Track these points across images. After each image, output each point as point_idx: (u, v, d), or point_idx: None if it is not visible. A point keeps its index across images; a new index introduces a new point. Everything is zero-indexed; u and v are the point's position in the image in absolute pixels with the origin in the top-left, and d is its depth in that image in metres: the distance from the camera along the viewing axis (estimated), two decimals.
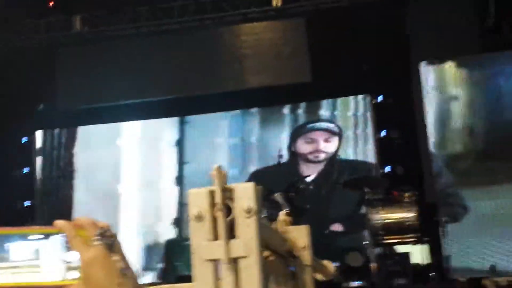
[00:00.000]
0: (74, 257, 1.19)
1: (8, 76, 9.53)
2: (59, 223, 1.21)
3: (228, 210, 1.51)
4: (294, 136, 9.43)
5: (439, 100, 8.89)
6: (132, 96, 9.76)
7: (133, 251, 8.90)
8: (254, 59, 9.61)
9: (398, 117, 9.05)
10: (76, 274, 1.19)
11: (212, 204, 1.50)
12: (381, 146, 9.18)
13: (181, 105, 9.74)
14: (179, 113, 9.88)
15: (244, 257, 1.47)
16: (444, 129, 8.82)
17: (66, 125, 10.03)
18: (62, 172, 8.87)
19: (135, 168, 9.81)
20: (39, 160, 9.96)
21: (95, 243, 1.20)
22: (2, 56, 9.56)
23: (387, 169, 9.10)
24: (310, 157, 9.31)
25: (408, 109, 8.99)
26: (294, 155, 9.36)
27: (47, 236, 1.20)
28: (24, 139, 9.96)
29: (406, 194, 7.86)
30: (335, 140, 9.35)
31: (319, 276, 2.55)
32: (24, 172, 9.88)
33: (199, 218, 1.50)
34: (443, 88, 8.93)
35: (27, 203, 9.37)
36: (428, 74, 8.96)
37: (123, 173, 9.76)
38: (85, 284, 1.19)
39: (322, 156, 9.27)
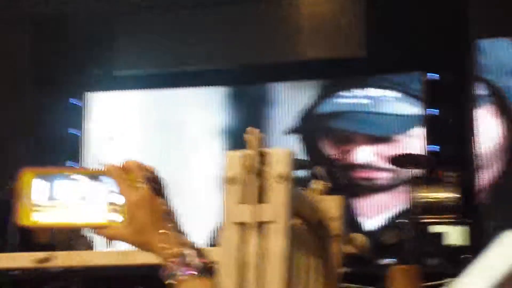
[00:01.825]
0: (120, 199, 1.22)
1: (67, 40, 9.67)
2: (108, 166, 1.24)
3: (262, 174, 1.52)
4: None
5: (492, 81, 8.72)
6: (186, 64, 9.79)
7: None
8: (311, 31, 9.54)
9: (450, 96, 8.92)
10: (119, 217, 1.22)
11: (247, 168, 1.51)
12: (430, 124, 9.07)
13: (235, 74, 9.75)
14: (233, 83, 9.89)
15: (272, 222, 1.48)
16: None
17: (115, 89, 10.13)
18: (111, 135, 8.94)
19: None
20: (89, 123, 10.10)
21: (141, 185, 1.22)
22: (61, 21, 9.68)
23: (435, 148, 9.01)
24: None
25: (461, 88, 8.85)
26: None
27: (95, 177, 1.23)
28: (74, 101, 10.09)
29: (452, 174, 7.78)
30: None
31: (350, 248, 2.56)
32: (71, 133, 10.02)
33: (233, 180, 1.52)
34: (499, 68, 8.74)
35: (72, 165, 9.53)
36: (484, 52, 8.78)
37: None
38: (130, 226, 1.21)
39: None
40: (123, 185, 1.22)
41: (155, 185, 1.22)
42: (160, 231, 1.20)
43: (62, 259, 1.86)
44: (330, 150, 9.13)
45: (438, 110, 9.05)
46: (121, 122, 9.95)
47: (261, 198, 1.51)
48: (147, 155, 9.42)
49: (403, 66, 9.17)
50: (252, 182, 1.50)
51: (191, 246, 1.19)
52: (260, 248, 1.46)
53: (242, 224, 1.48)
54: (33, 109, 9.71)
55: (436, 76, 9.12)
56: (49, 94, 9.70)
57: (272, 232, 1.49)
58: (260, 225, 1.48)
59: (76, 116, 10.02)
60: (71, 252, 1.88)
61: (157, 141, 9.86)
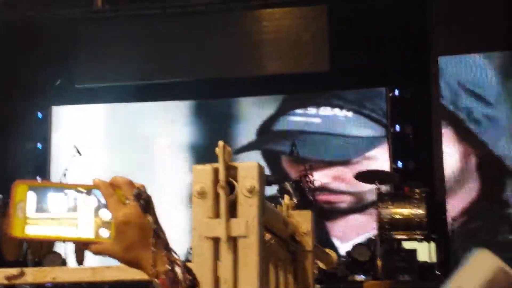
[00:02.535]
0: (108, 215, 1.21)
1: (28, 49, 9.58)
2: (97, 180, 1.23)
3: (231, 189, 1.50)
4: None
5: (456, 97, 8.83)
6: (148, 77, 9.78)
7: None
8: (274, 46, 9.59)
9: (414, 112, 9.01)
10: (107, 233, 1.22)
11: (216, 182, 1.49)
12: (395, 140, 9.14)
13: (197, 88, 9.74)
14: (195, 97, 9.89)
15: (244, 236, 1.46)
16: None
17: (81, 102, 10.07)
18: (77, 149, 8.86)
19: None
20: (54, 136, 10.02)
21: (130, 202, 1.21)
22: (23, 29, 9.59)
23: (399, 164, 9.07)
24: None
25: (424, 104, 8.94)
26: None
27: (85, 192, 1.23)
28: (39, 114, 10.00)
29: (417, 191, 7.83)
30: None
31: (321, 264, 2.54)
32: (37, 146, 9.92)
33: (202, 194, 1.50)
34: (460, 84, 8.86)
35: (39, 178, 9.40)
36: (447, 69, 8.90)
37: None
38: (118, 243, 1.21)
39: None
40: (111, 201, 1.21)
41: (143, 202, 1.21)
42: (149, 248, 1.19)
43: (33, 275, 1.81)
44: (292, 169, 9.14)
45: (399, 127, 9.13)
46: (87, 135, 9.91)
47: (231, 212, 1.49)
48: (113, 169, 9.38)
49: (366, 81, 9.24)
50: (222, 196, 1.48)
51: (179, 263, 1.18)
52: (232, 263, 1.44)
53: (214, 239, 1.45)
54: None
55: (399, 92, 9.20)
56: (15, 107, 9.61)
57: (243, 246, 1.47)
58: (232, 239, 1.46)
59: (42, 130, 9.95)
60: (43, 268, 1.83)
61: (123, 154, 9.83)
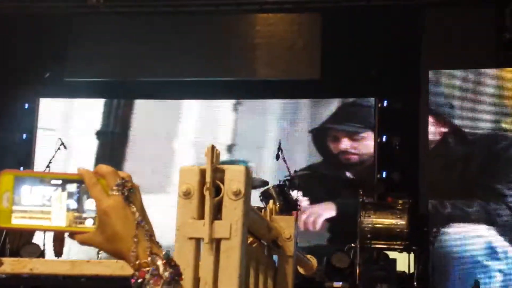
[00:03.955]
0: (92, 204, 1.21)
1: (19, 42, 9.56)
2: (81, 169, 1.22)
3: (217, 191, 1.51)
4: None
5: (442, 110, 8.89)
6: (139, 74, 9.77)
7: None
8: (266, 50, 9.60)
9: (402, 124, 9.05)
10: (89, 222, 1.21)
11: (202, 183, 1.50)
12: (381, 150, 9.17)
13: (184, 89, 9.75)
14: (180, 97, 9.89)
15: (227, 238, 1.47)
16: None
17: (68, 96, 10.04)
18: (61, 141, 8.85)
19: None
20: (40, 127, 9.99)
21: (114, 192, 1.20)
22: (17, 20, 9.56)
23: (384, 174, 9.10)
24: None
25: (413, 116, 8.99)
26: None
27: (71, 181, 1.23)
28: (26, 105, 9.97)
29: (400, 201, 7.86)
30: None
31: (301, 270, 2.55)
32: (23, 138, 9.89)
33: (187, 195, 1.50)
34: (449, 98, 8.92)
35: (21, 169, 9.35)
36: (436, 83, 8.96)
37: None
38: (100, 233, 1.20)
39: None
40: (95, 191, 1.20)
41: (127, 192, 1.20)
42: (131, 240, 1.18)
43: (12, 266, 1.81)
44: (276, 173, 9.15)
45: (386, 137, 9.16)
46: (73, 128, 9.89)
47: (216, 214, 1.50)
48: (97, 163, 9.38)
49: (356, 90, 9.27)
50: (207, 197, 1.49)
51: (162, 256, 1.18)
52: (214, 264, 1.45)
53: (196, 240, 1.46)
54: None
55: (387, 102, 9.24)
56: (3, 99, 9.59)
57: (226, 249, 1.48)
58: (215, 241, 1.47)
59: (29, 121, 9.92)
60: (21, 259, 1.83)
61: (108, 148, 9.83)
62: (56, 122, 9.96)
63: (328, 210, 9.29)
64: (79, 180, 1.22)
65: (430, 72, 8.91)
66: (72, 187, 1.22)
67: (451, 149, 8.82)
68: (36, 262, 1.81)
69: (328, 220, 9.25)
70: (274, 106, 9.72)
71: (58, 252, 7.66)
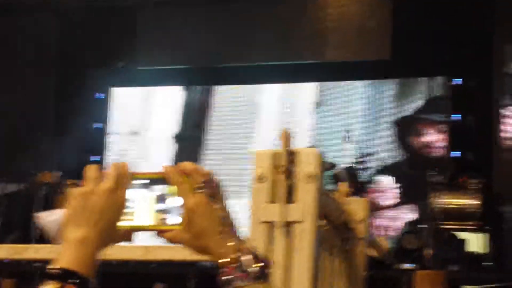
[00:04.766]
0: (179, 202, 1.23)
1: (88, 35, 9.73)
2: (167, 167, 1.24)
3: (290, 174, 1.51)
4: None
5: None
6: (203, 61, 9.79)
7: None
8: (337, 33, 9.51)
9: (475, 102, 8.85)
10: (176, 220, 1.23)
11: (276, 167, 1.51)
12: (453, 130, 9.01)
13: (256, 73, 9.74)
14: (253, 81, 9.88)
15: (300, 222, 1.47)
16: None
17: (142, 84, 10.16)
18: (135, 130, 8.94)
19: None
20: (113, 116, 10.13)
21: (199, 190, 1.22)
22: (85, 15, 9.73)
23: (456, 154, 8.94)
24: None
25: (486, 94, 8.78)
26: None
27: (158, 180, 1.24)
28: (99, 95, 10.14)
29: (472, 181, 7.72)
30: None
31: (372, 252, 2.55)
32: (95, 127, 10.06)
33: (261, 179, 1.51)
34: None
35: (95, 158, 9.55)
36: (509, 59, 8.71)
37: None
38: (187, 231, 1.22)
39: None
40: (181, 189, 1.22)
41: (212, 189, 1.22)
42: (217, 237, 1.20)
43: None
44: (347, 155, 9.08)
45: (460, 116, 8.99)
46: (146, 117, 9.99)
47: (289, 197, 1.50)
48: (171, 151, 9.50)
49: (427, 70, 9.12)
50: (281, 182, 1.50)
51: (248, 251, 1.18)
52: (287, 247, 1.46)
53: (270, 223, 1.47)
54: (57, 102, 9.79)
55: (459, 81, 9.05)
56: (74, 88, 9.76)
57: (299, 232, 1.49)
58: (288, 224, 1.48)
59: (101, 110, 10.08)
60: None
61: (181, 138, 9.92)
62: (129, 111, 10.06)
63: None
64: (163, 178, 1.24)
65: (504, 47, 8.67)
66: (157, 187, 1.24)
67: None
68: (112, 248, 1.86)
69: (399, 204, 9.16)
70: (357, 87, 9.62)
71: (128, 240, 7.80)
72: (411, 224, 8.34)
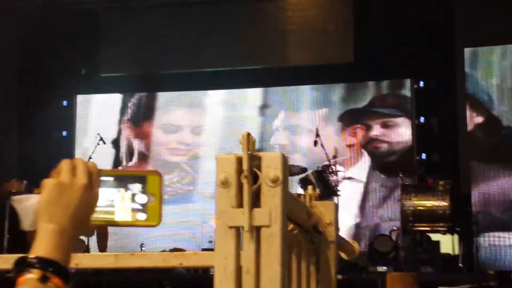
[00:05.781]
0: (144, 199, 1.27)
1: (52, 40, 9.65)
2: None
3: (255, 178, 1.50)
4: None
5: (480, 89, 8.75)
6: (170, 66, 9.80)
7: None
8: (298, 36, 9.55)
9: (439, 104, 8.95)
10: (145, 215, 1.28)
11: (239, 171, 1.49)
12: (419, 132, 9.09)
13: (222, 79, 9.75)
14: (214, 87, 9.90)
15: (267, 226, 1.46)
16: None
17: (105, 91, 10.13)
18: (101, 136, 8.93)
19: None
20: (78, 124, 10.10)
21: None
22: (47, 19, 9.66)
23: (423, 156, 9.02)
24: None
25: (449, 96, 8.88)
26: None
27: (121, 182, 1.28)
28: (64, 103, 10.09)
29: (441, 182, 7.77)
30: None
31: (343, 255, 2.54)
32: (63, 135, 10.03)
33: (225, 184, 1.50)
34: (486, 76, 8.78)
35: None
36: (472, 60, 8.82)
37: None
38: None
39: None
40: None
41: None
42: None
43: None
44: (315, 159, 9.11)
45: (424, 118, 9.07)
46: (111, 123, 9.98)
47: (255, 202, 1.49)
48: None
49: (390, 73, 9.19)
50: (245, 186, 1.48)
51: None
52: (255, 252, 1.44)
53: (237, 228, 1.45)
54: (23, 110, 9.72)
55: (423, 83, 9.14)
56: (39, 96, 9.71)
57: (266, 236, 1.47)
58: (255, 229, 1.46)
59: (67, 118, 10.04)
60: None
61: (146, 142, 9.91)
62: (94, 118, 10.05)
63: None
64: (128, 176, 1.29)
65: (465, 49, 8.78)
66: (132, 186, 1.28)
67: (492, 125, 8.69)
68: (81, 257, 1.82)
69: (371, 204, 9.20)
70: (306, 92, 9.67)
71: (103, 247, 7.75)
72: (383, 226, 8.39)
